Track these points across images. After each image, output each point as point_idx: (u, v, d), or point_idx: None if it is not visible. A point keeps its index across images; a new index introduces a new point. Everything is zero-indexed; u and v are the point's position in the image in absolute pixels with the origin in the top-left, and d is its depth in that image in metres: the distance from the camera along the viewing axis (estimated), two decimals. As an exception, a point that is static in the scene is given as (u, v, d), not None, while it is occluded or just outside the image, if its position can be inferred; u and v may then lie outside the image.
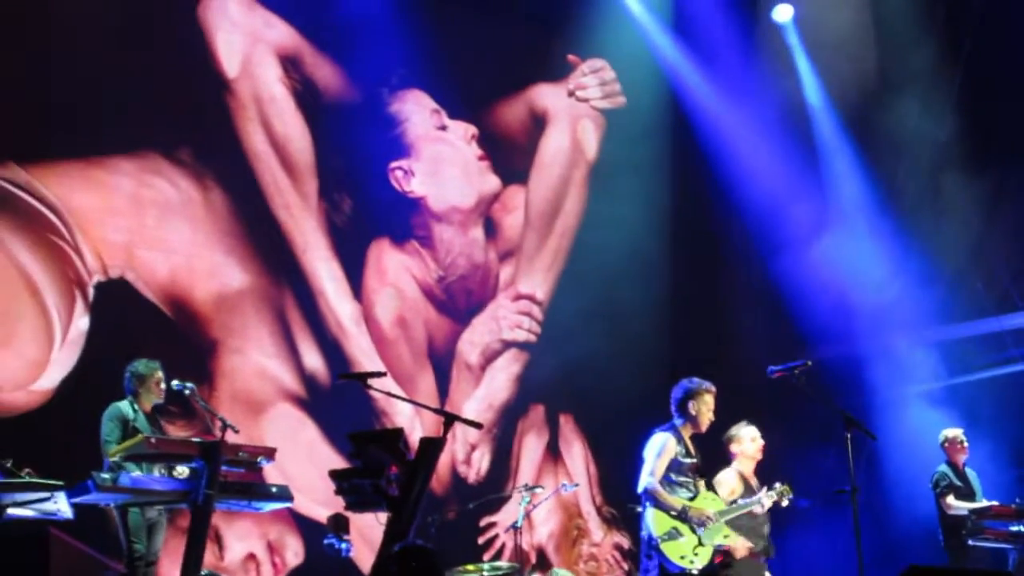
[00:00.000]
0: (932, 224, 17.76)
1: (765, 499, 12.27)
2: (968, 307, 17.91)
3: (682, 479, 11.99)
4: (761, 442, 12.79)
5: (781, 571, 13.03)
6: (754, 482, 12.60)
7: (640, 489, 11.93)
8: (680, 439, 12.06)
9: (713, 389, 12.25)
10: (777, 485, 12.41)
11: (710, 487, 12.30)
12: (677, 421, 12.15)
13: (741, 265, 18.26)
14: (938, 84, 18.10)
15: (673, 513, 11.80)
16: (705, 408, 12.16)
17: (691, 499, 11.94)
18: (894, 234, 17.89)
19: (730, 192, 18.22)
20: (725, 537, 11.97)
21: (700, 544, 11.82)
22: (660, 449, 11.97)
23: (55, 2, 14.31)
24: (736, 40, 18.62)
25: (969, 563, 13.74)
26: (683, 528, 11.80)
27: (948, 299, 17.81)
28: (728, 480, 12.59)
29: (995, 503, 14.02)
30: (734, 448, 12.74)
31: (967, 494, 14.33)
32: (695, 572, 11.67)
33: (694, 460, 12.12)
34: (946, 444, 14.65)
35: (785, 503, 12.40)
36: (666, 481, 11.89)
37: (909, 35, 18.05)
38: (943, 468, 14.52)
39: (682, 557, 11.72)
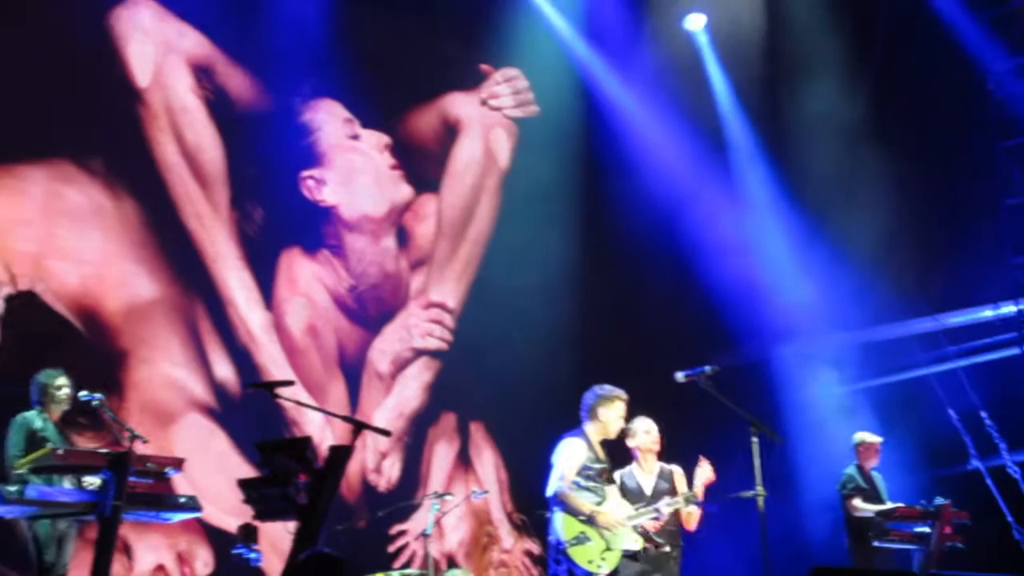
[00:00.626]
0: (843, 224, 17.87)
1: (666, 506, 12.34)
2: (879, 310, 18.02)
3: (591, 484, 12.04)
4: (656, 434, 12.85)
5: (697, 570, 13.13)
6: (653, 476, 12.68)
7: (549, 493, 11.99)
8: (590, 445, 12.13)
9: (624, 396, 12.33)
10: (683, 491, 12.50)
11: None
12: (587, 427, 12.22)
13: (653, 270, 18.29)
14: (849, 77, 18.27)
15: (582, 518, 11.85)
16: (615, 415, 12.24)
17: (600, 504, 12.00)
18: (807, 235, 18.00)
19: (642, 197, 18.26)
20: (634, 541, 12.05)
21: (608, 549, 11.89)
22: (569, 454, 12.03)
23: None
24: (646, 43, 18.76)
25: (874, 564, 13.84)
26: (592, 533, 11.86)
27: (859, 301, 17.91)
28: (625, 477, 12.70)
29: (901, 505, 14.13)
30: (629, 443, 12.80)
31: (873, 496, 14.44)
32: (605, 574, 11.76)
33: (603, 466, 12.18)
34: (860, 447, 14.74)
35: (692, 506, 12.49)
36: (575, 486, 11.94)
37: (819, 27, 18.21)
38: (850, 470, 14.62)
39: (590, 561, 11.78)
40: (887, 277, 17.86)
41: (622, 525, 11.99)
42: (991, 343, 17.79)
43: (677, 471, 12.86)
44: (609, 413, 12.23)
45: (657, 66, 18.83)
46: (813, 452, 16.09)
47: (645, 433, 12.84)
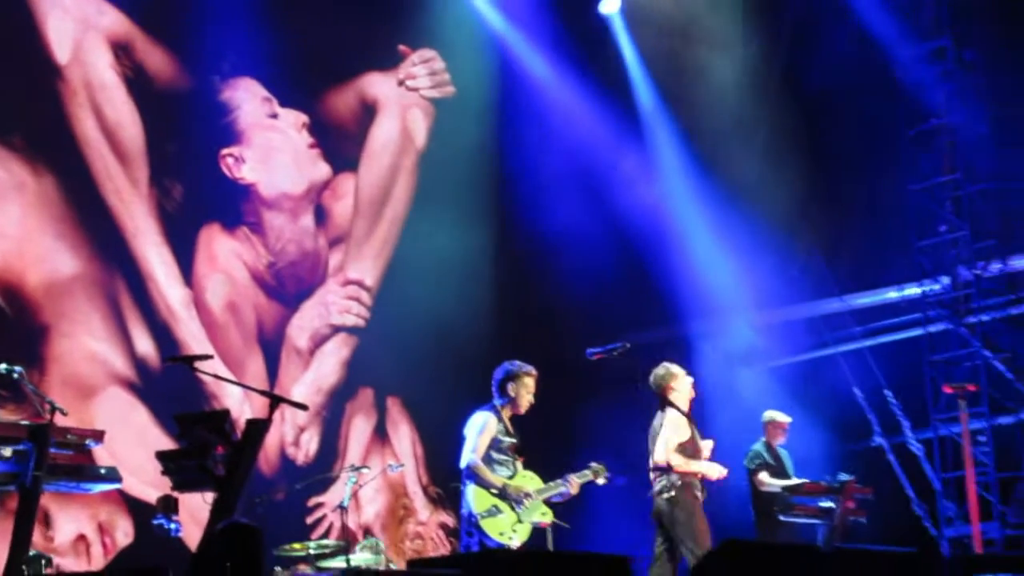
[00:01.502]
0: (755, 207, 17.98)
1: (575, 480, 12.52)
2: (790, 290, 18.18)
3: (502, 457, 12.23)
4: (691, 379, 12.99)
5: (603, 547, 13.23)
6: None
7: (462, 465, 12.13)
8: (500, 419, 12.30)
9: (534, 372, 12.48)
10: (592, 464, 12.67)
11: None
12: (497, 402, 12.40)
13: (566, 248, 18.37)
14: (760, 64, 18.41)
15: (494, 491, 12.04)
16: (525, 391, 12.39)
17: (510, 477, 12.18)
18: (720, 215, 18.12)
19: (557, 174, 18.38)
20: (543, 515, 12.25)
21: (519, 521, 12.07)
22: (481, 427, 12.21)
23: None
24: (563, 27, 18.85)
25: (779, 538, 13.98)
26: (503, 505, 12.05)
27: (771, 281, 18.05)
28: (676, 420, 12.67)
29: (806, 480, 14.34)
30: (673, 385, 12.78)
31: (780, 472, 14.63)
32: (514, 547, 11.89)
33: (513, 440, 12.35)
34: (769, 425, 14.92)
35: (601, 481, 12.66)
36: (487, 459, 12.11)
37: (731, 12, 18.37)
38: (757, 446, 14.80)
39: (501, 534, 11.96)
40: (797, 258, 18.02)
41: (532, 498, 12.18)
42: (896, 323, 18.01)
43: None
44: (519, 388, 12.38)
45: (571, 44, 18.91)
46: (724, 429, 16.20)
47: (686, 376, 13.00)
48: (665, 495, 12.39)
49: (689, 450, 12.50)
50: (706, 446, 12.73)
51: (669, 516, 12.36)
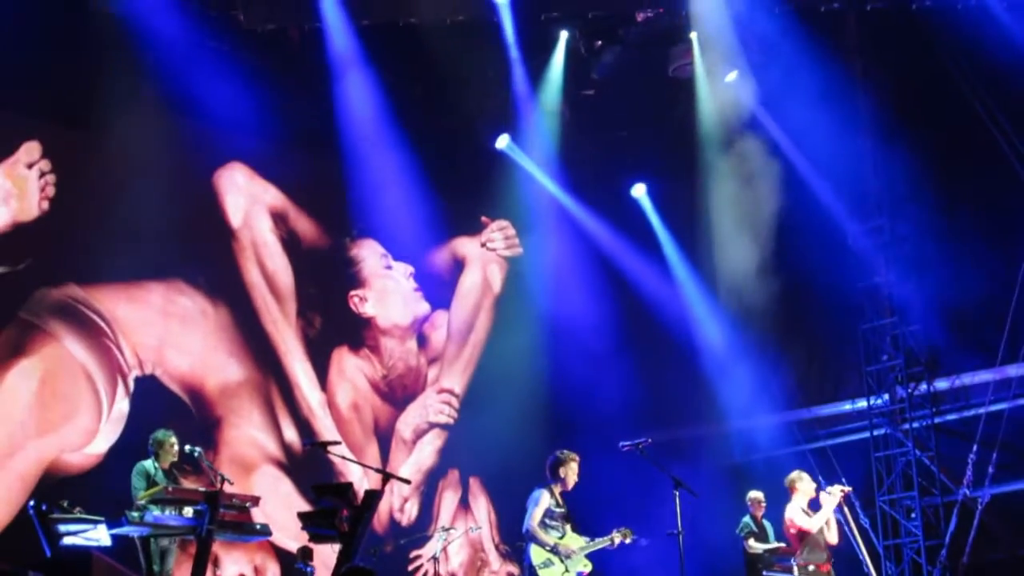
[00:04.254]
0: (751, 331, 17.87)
1: (616, 537, 12.39)
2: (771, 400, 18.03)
3: (554, 523, 12.10)
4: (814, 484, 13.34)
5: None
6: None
7: (523, 530, 12.07)
8: (552, 494, 12.17)
9: (576, 457, 12.35)
10: (622, 528, 12.52)
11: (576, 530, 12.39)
12: (550, 481, 12.29)
13: (606, 364, 18.25)
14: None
15: (547, 547, 11.92)
16: (571, 472, 12.25)
17: (560, 538, 12.06)
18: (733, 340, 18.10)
19: (594, 308, 18.33)
20: (584, 565, 12.11)
21: (567, 571, 11.96)
22: (536, 501, 12.09)
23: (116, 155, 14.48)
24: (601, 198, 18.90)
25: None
26: (554, 559, 11.93)
27: (756, 394, 17.95)
28: (797, 510, 13.09)
29: (782, 544, 14.11)
30: (798, 486, 13.23)
31: (763, 538, 14.42)
32: None
33: (563, 510, 12.21)
34: (752, 502, 14.73)
35: (628, 541, 12.50)
36: (542, 525, 12.02)
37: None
38: (746, 519, 14.57)
39: None
40: (778, 377, 17.87)
41: (576, 554, 12.07)
42: (849, 428, 17.83)
43: None
44: (566, 471, 12.26)
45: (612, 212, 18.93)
46: (720, 505, 15.92)
47: (810, 481, 13.36)
48: None
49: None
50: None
51: None
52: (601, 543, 12.33)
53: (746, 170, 17.84)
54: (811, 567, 12.77)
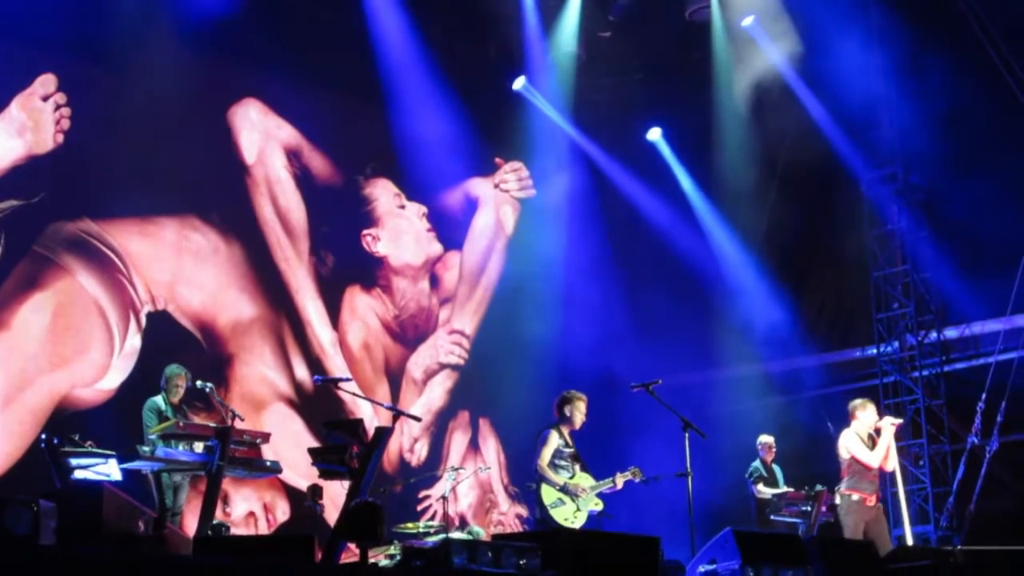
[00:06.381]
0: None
1: (619, 479, 12.38)
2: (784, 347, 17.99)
3: (563, 463, 12.15)
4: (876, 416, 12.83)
5: (637, 529, 13.06)
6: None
7: (532, 469, 12.11)
8: (561, 434, 12.21)
9: (584, 397, 12.41)
10: (631, 467, 12.51)
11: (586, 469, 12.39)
12: (557, 421, 12.31)
13: (620, 300, 18.24)
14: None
15: (557, 487, 11.96)
16: (577, 411, 12.31)
17: (570, 478, 12.10)
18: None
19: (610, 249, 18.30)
20: (595, 504, 12.18)
21: (578, 509, 12.05)
22: (545, 440, 12.15)
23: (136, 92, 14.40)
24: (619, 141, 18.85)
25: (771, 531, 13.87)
26: (566, 498, 12.02)
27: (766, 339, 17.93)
28: (852, 436, 12.59)
29: (791, 489, 14.12)
30: (858, 414, 12.66)
31: (772, 482, 14.45)
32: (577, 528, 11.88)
33: (572, 450, 12.27)
34: (762, 446, 14.75)
35: (638, 480, 12.50)
36: (551, 465, 12.05)
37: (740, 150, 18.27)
38: (756, 463, 14.61)
39: (565, 519, 11.94)
40: (789, 322, 17.84)
41: (587, 492, 12.09)
42: (859, 375, 17.82)
43: None
44: (573, 410, 12.30)
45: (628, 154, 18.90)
46: (731, 447, 15.89)
47: (874, 413, 12.79)
48: None
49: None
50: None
51: None
52: (610, 482, 12.35)
53: (762, 113, 17.81)
54: (855, 496, 12.37)
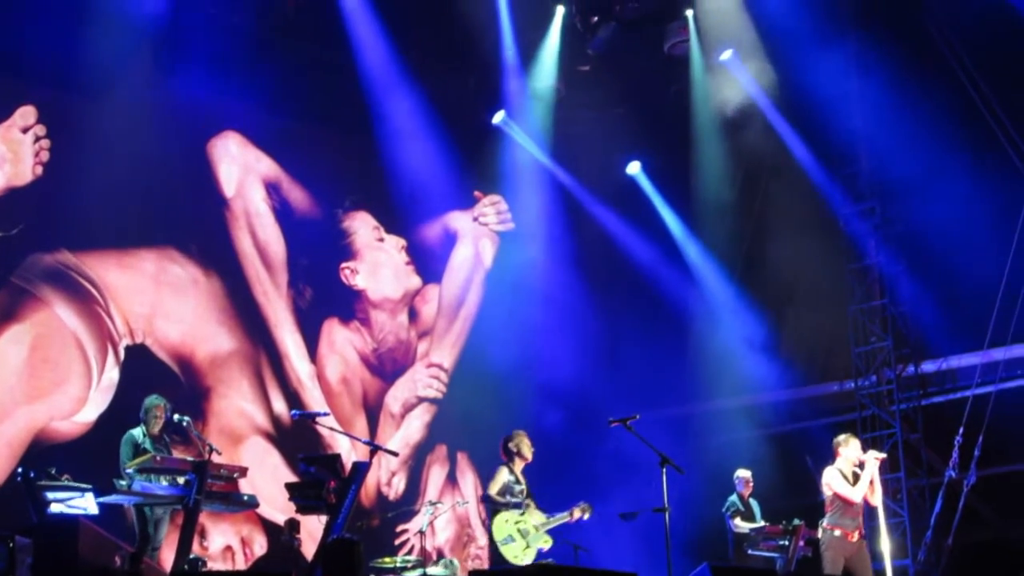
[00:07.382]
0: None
1: (575, 512, 12.46)
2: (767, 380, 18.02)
3: (515, 500, 12.35)
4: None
5: (614, 564, 13.04)
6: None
7: (481, 498, 12.42)
8: (511, 471, 12.46)
9: (524, 432, 12.72)
10: (581, 503, 12.55)
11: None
12: (506, 460, 12.58)
13: (598, 334, 18.25)
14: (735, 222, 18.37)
15: (505, 506, 12.24)
16: (523, 446, 12.59)
17: (521, 514, 12.25)
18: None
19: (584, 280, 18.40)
20: (544, 542, 12.28)
21: (528, 547, 12.17)
22: (493, 475, 12.54)
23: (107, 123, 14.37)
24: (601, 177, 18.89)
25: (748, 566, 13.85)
26: (516, 535, 12.20)
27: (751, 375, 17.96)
28: (835, 473, 12.22)
29: (768, 524, 14.13)
30: (841, 451, 12.27)
31: (748, 517, 14.44)
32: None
33: (523, 486, 12.50)
34: (738, 480, 14.73)
35: (587, 517, 12.53)
36: (500, 499, 12.32)
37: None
38: (732, 497, 14.59)
39: (515, 556, 12.10)
40: (766, 357, 17.88)
41: (537, 530, 12.22)
42: (838, 408, 17.84)
43: None
44: (518, 445, 12.56)
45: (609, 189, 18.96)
46: (708, 480, 15.88)
47: (856, 448, 12.43)
48: None
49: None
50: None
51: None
52: (561, 519, 12.46)
53: (740, 146, 17.92)
54: (836, 532, 12.21)
